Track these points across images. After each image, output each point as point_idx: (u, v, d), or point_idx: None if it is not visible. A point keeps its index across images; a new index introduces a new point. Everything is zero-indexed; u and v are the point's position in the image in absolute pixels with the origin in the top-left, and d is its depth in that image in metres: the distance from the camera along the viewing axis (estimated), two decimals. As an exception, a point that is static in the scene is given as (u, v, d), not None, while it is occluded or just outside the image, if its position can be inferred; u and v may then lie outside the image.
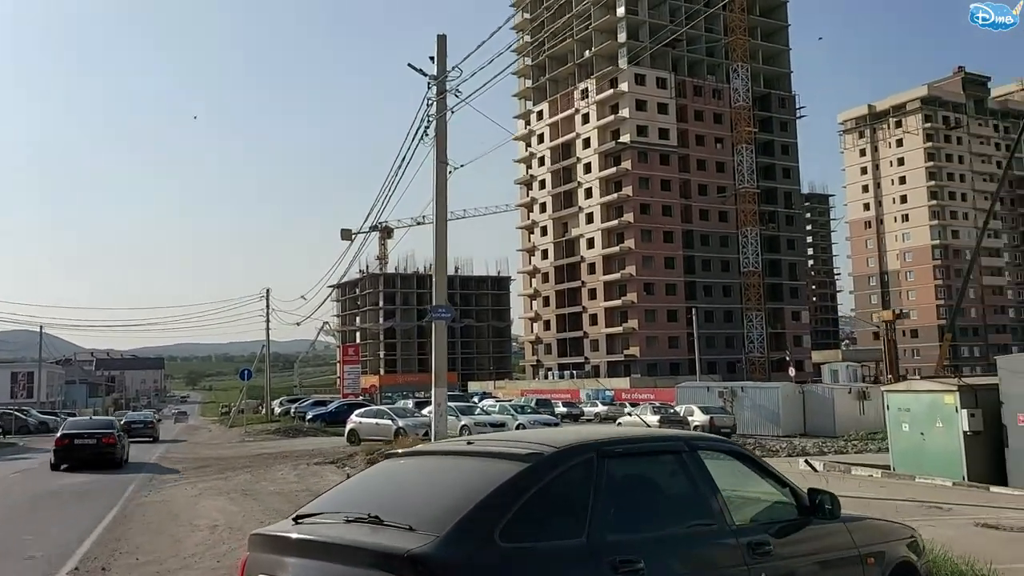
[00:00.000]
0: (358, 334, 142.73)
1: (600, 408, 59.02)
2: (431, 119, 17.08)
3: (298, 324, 60.89)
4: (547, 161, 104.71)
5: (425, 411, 35.17)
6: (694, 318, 73.65)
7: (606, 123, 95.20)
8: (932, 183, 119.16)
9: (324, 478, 17.77)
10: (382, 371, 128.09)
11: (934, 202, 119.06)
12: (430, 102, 17.12)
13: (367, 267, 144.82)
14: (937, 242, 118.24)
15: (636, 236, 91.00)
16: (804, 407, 43.05)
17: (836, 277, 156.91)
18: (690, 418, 36.46)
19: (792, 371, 66.44)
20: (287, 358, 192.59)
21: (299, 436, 39.16)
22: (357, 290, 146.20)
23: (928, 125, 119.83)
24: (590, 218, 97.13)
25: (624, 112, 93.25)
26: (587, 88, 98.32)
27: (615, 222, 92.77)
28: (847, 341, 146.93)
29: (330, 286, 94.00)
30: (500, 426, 32.24)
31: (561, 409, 51.98)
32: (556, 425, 34.64)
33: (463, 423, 31.72)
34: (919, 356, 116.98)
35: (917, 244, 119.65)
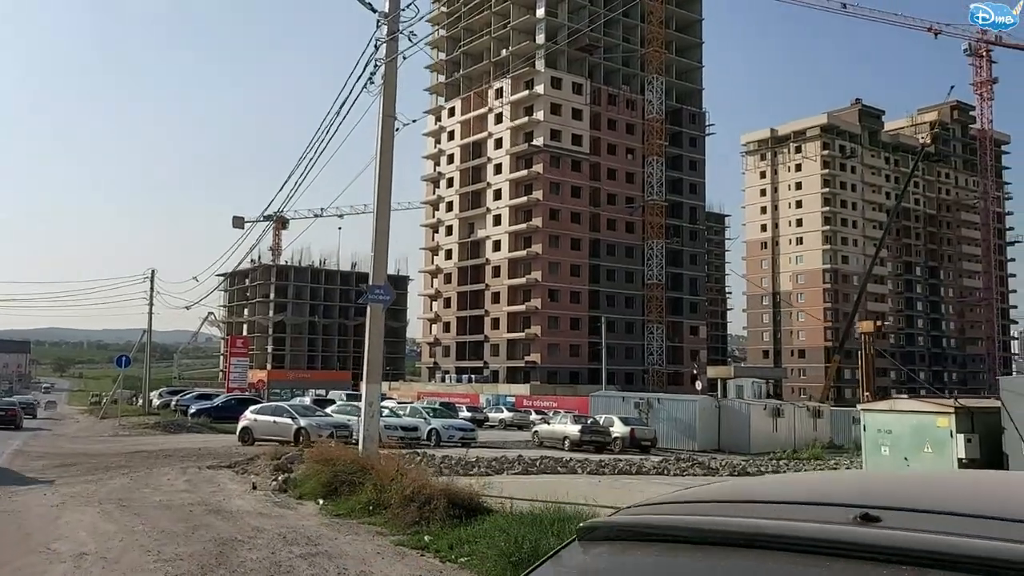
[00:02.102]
0: (246, 327, 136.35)
1: (505, 414, 56.89)
2: (378, 64, 14.30)
3: (187, 308, 56.34)
4: (456, 159, 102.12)
5: (330, 409, 32.07)
6: (603, 327, 72.37)
7: (519, 124, 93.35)
8: (826, 209, 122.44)
9: (223, 488, 14.67)
10: (269, 366, 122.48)
11: (827, 227, 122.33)
12: (379, 43, 14.34)
13: (259, 258, 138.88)
14: (828, 266, 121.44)
15: (544, 241, 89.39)
16: (720, 422, 41.96)
17: (728, 296, 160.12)
18: (611, 429, 34.51)
19: (699, 385, 65.89)
20: (166, 348, 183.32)
21: (182, 432, 35.25)
22: (247, 281, 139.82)
23: (826, 152, 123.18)
24: (498, 220, 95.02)
25: (538, 115, 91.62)
26: (502, 88, 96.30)
27: (523, 225, 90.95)
28: (734, 359, 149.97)
29: (219, 275, 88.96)
30: (412, 430, 29.51)
31: (465, 414, 49.36)
32: (472, 431, 32.08)
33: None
34: (805, 376, 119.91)
35: (809, 267, 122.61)
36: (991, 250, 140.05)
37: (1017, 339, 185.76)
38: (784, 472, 25.77)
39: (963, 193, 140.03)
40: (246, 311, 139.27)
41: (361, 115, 15.76)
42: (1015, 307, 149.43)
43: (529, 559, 7.53)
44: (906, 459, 15.95)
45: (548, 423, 36.33)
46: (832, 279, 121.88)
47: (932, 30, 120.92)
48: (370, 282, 14.96)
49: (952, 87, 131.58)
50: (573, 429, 32.76)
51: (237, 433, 28.95)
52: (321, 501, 12.52)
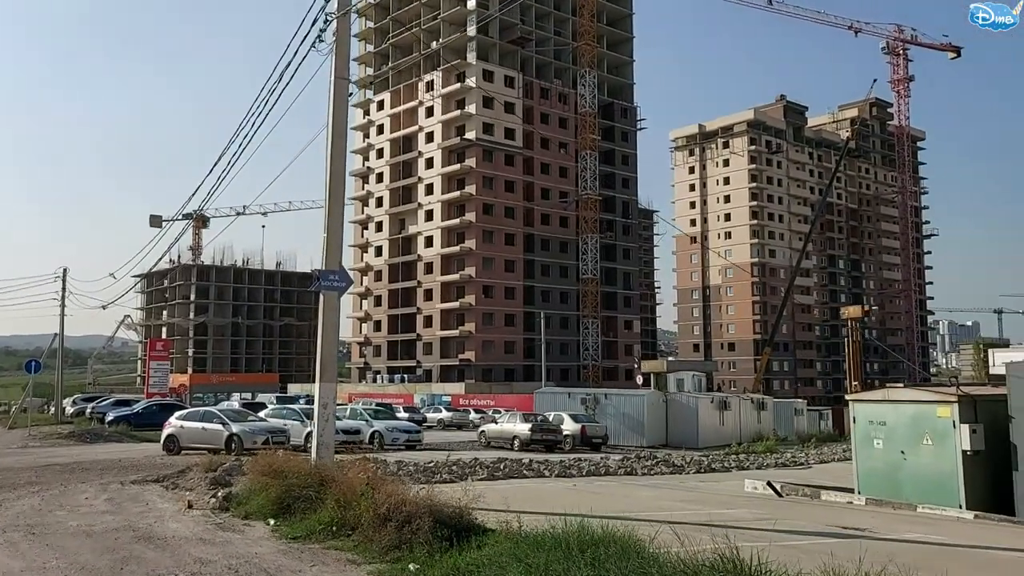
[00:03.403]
0: (165, 329, 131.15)
1: (443, 414, 55.17)
2: (328, 19, 12.51)
3: (104, 307, 53.04)
4: (386, 154, 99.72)
5: (263, 414, 29.91)
6: (541, 323, 71.21)
7: (451, 118, 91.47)
8: (754, 203, 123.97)
9: (153, 507, 12.67)
10: (191, 370, 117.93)
11: (755, 222, 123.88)
12: (329, -5, 12.53)
13: (178, 257, 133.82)
14: (756, 260, 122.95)
15: (478, 236, 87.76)
16: (667, 416, 41.13)
17: (657, 290, 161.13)
18: (562, 427, 33.16)
19: (639, 379, 65.12)
20: (79, 354, 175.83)
21: (99, 441, 32.47)
22: (166, 282, 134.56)
23: (753, 148, 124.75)
24: (430, 215, 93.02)
25: (470, 108, 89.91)
26: (433, 81, 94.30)
27: (456, 221, 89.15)
28: (662, 354, 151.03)
29: (135, 276, 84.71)
30: (354, 433, 27.60)
31: (403, 414, 47.44)
32: (418, 432, 30.31)
33: (310, 429, 26.69)
34: (735, 369, 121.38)
35: (738, 261, 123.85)
36: (909, 243, 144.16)
37: (935, 329, 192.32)
38: (747, 466, 24.78)
39: (882, 188, 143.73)
40: (165, 313, 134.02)
41: (292, 100, 13.97)
42: (932, 298, 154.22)
43: (562, 598, 5.98)
44: (903, 453, 14.92)
45: (496, 422, 34.76)
46: (760, 273, 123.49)
47: (853, 28, 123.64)
48: (322, 266, 13.17)
49: (875, 81, 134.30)
50: (523, 428, 31.28)
51: (162, 441, 26.60)
52: (272, 521, 10.71)
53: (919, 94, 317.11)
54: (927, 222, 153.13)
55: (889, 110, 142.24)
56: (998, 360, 29.74)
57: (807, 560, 6.40)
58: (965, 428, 13.81)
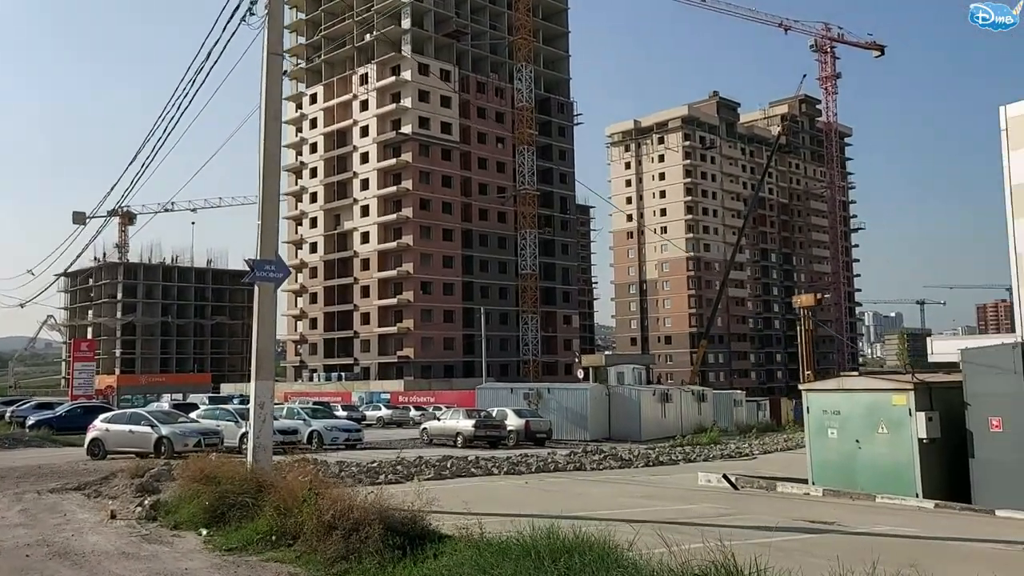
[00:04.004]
0: (91, 329, 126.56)
1: (383, 412, 54.15)
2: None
3: (22, 306, 50.40)
4: (320, 148, 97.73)
5: (195, 415, 28.63)
6: (481, 318, 70.57)
7: (386, 112, 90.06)
8: (689, 198, 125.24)
9: (72, 518, 11.63)
10: (119, 371, 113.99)
11: (690, 216, 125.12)
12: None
13: (104, 255, 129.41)
14: (691, 254, 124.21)
15: (415, 232, 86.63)
16: (610, 410, 40.93)
17: (594, 286, 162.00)
18: (505, 422, 32.60)
19: (580, 373, 65.03)
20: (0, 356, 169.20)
21: (18, 447, 30.67)
22: (91, 280, 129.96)
23: (687, 143, 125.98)
24: (365, 211, 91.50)
25: (406, 102, 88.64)
26: (367, 73, 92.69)
27: (393, 216, 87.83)
28: (599, 348, 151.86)
29: (57, 275, 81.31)
30: (292, 433, 26.56)
31: (341, 413, 46.26)
32: (358, 431, 29.38)
33: (245, 430, 25.60)
34: (672, 362, 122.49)
35: (674, 256, 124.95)
36: (838, 237, 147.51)
37: (862, 320, 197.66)
38: (693, 459, 24.55)
39: (812, 183, 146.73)
40: (91, 313, 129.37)
41: (222, 80, 13.03)
42: (860, 290, 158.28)
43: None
44: (858, 442, 14.72)
45: (438, 419, 34.02)
46: (695, 267, 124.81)
47: (783, 26, 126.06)
48: (257, 256, 12.27)
49: (804, 76, 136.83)
50: (467, 424, 30.61)
51: (86, 446, 25.16)
52: (204, 532, 9.84)
53: (846, 91, 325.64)
54: (854, 216, 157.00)
55: (818, 107, 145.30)
56: (936, 348, 30.21)
57: (789, 561, 5.89)
58: (921, 416, 13.64)
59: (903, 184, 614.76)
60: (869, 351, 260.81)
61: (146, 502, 11.52)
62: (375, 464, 17.88)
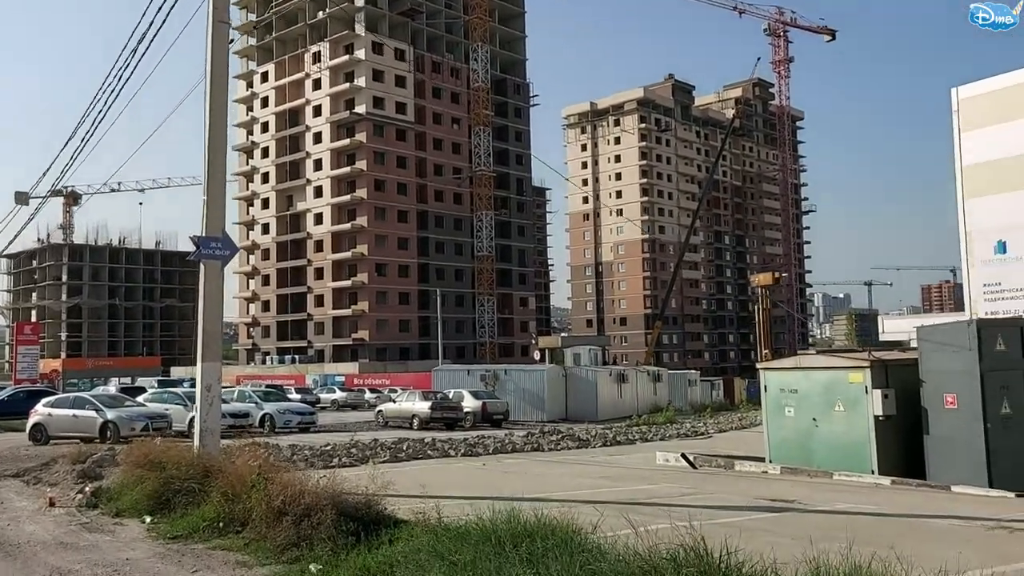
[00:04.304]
0: (35, 312, 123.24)
1: (337, 395, 53.57)
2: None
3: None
4: (271, 128, 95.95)
5: (142, 398, 27.91)
6: (437, 300, 70.11)
7: (340, 91, 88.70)
8: (644, 181, 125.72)
9: (8, 506, 11.10)
10: (64, 354, 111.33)
11: (645, 199, 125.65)
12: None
13: (47, 236, 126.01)
14: (646, 236, 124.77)
15: (369, 214, 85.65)
16: (567, 391, 40.92)
17: (550, 268, 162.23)
18: (462, 404, 32.36)
19: (536, 355, 65.06)
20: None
21: (-44, 434, 29.63)
22: (34, 262, 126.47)
23: (643, 126, 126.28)
24: (319, 192, 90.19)
25: (360, 81, 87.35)
26: (320, 52, 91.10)
27: (347, 197, 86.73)
28: (554, 330, 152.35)
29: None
30: (243, 416, 26.03)
31: (295, 396, 45.63)
32: (312, 414, 28.92)
33: (193, 414, 24.98)
34: (627, 343, 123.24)
35: (629, 238, 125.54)
36: (790, 219, 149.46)
37: (811, 301, 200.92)
38: (650, 438, 24.56)
39: (764, 166, 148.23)
40: (35, 295, 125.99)
41: (167, 49, 12.47)
42: (810, 271, 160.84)
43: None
44: (815, 420, 14.73)
45: (394, 401, 33.67)
46: (650, 249, 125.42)
47: (737, 9, 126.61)
48: (202, 233, 11.78)
49: (758, 59, 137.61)
50: (423, 406, 30.30)
51: (27, 431, 24.38)
52: (148, 519, 9.42)
53: (799, 75, 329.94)
54: (806, 198, 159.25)
55: (771, 90, 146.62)
56: (887, 327, 30.66)
57: (755, 541, 5.72)
58: (877, 393, 13.67)
59: (852, 167, 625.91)
60: (818, 331, 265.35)
61: (87, 489, 11.04)
62: (329, 447, 17.51)
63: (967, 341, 12.91)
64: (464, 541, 5.85)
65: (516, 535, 5.71)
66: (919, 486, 12.51)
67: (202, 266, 12.04)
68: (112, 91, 13.87)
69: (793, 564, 4.70)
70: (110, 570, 7.12)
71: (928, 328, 13.90)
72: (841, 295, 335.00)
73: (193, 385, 40.90)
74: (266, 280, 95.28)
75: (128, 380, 57.49)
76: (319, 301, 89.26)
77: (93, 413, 23.58)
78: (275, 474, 8.28)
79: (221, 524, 8.46)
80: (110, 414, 23.32)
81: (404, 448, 18.17)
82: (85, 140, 15.57)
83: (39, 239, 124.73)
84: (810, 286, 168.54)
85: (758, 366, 16.63)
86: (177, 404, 26.42)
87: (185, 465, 9.87)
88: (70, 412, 24.02)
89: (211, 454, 10.54)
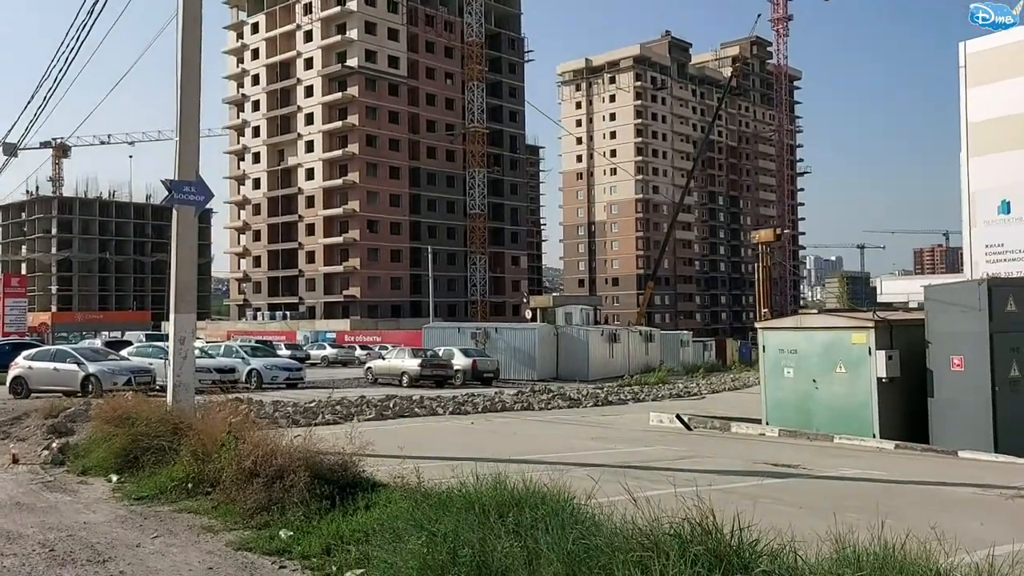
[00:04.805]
0: (24, 265, 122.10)
1: (327, 351, 53.11)
2: None
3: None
4: (262, 80, 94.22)
5: (126, 352, 27.34)
6: (429, 258, 69.44)
7: (332, 43, 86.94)
8: (639, 140, 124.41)
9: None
10: (55, 308, 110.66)
11: (639, 158, 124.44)
12: None
13: (36, 189, 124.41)
14: (640, 196, 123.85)
15: (361, 169, 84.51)
16: (558, 350, 40.51)
17: (543, 227, 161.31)
18: (452, 362, 31.92)
19: (528, 314, 64.58)
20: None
21: (-63, 387, 29.06)
22: (23, 215, 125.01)
23: (638, 84, 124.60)
24: (310, 147, 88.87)
25: (352, 33, 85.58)
26: (311, 2, 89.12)
27: (338, 152, 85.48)
28: (546, 290, 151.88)
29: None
30: (229, 371, 25.51)
31: (285, 352, 45.16)
32: (299, 370, 28.43)
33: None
34: (619, 303, 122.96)
35: (622, 197, 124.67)
36: (784, 180, 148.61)
37: (804, 263, 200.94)
38: (642, 398, 24.18)
39: (760, 126, 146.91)
40: (24, 248, 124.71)
41: None
42: (803, 233, 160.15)
43: (476, 575, 4.58)
44: (815, 382, 14.27)
45: (383, 358, 33.19)
46: (644, 209, 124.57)
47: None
48: (175, 176, 11.11)
49: (759, 16, 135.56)
50: (412, 364, 29.83)
51: (8, 384, 23.79)
52: (115, 478, 8.90)
53: (797, 34, 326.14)
54: (801, 160, 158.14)
55: (769, 49, 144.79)
56: (886, 288, 30.21)
57: (760, 510, 5.21)
58: (881, 355, 13.19)
59: (849, 129, 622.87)
60: (810, 294, 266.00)
61: (54, 445, 10.51)
62: (313, 404, 17.00)
63: (977, 301, 12.40)
64: (445, 509, 5.33)
65: (502, 504, 5.19)
66: (924, 451, 12.07)
67: (175, 212, 11.40)
68: (81, 34, 13.06)
69: (813, 540, 4.18)
70: (64, 535, 6.60)
71: (936, 288, 13.38)
72: (833, 258, 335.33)
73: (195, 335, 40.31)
74: (257, 236, 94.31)
75: (118, 334, 57.01)
76: (310, 257, 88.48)
77: (74, 366, 23.01)
78: (246, 432, 7.74)
79: (190, 485, 7.95)
80: (91, 367, 22.76)
81: (391, 406, 17.68)
82: (57, 81, 14.75)
83: (28, 191, 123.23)
84: (803, 248, 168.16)
85: (757, 325, 16.13)
86: (161, 358, 25.73)
87: (156, 421, 9.34)
88: (51, 365, 23.44)
89: (184, 410, 10.00)
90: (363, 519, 6.03)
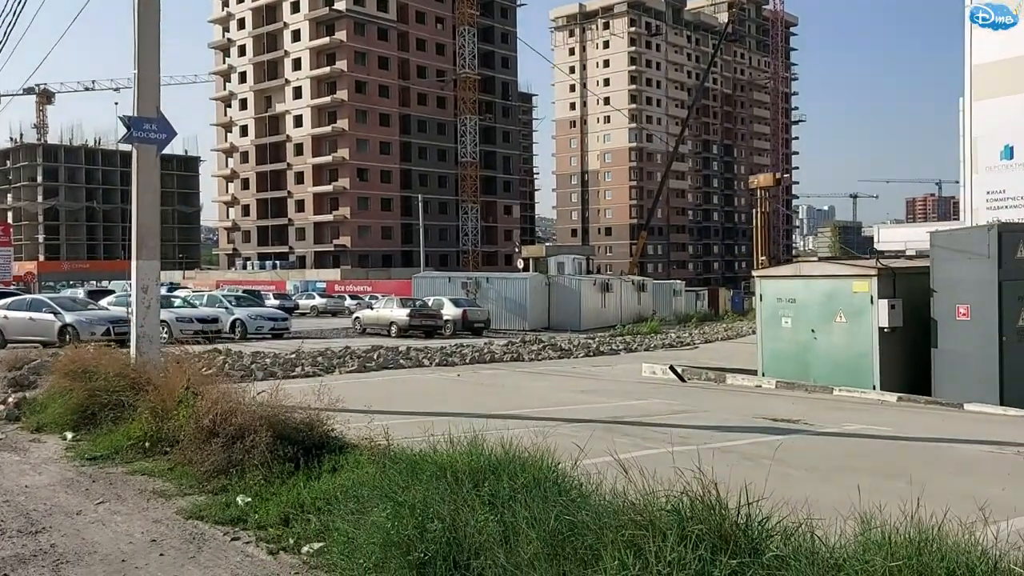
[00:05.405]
0: (11, 214, 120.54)
1: (317, 301, 52.53)
2: None
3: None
4: (248, 24, 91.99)
5: (106, 301, 26.69)
6: (419, 207, 68.44)
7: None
8: (633, 87, 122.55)
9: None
10: (42, 257, 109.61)
11: (634, 106, 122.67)
12: None
13: (20, 136, 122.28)
14: (634, 145, 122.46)
15: (350, 116, 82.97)
16: (550, 300, 39.99)
17: (536, 176, 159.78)
18: (442, 312, 31.36)
19: (520, 264, 63.80)
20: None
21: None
22: (8, 162, 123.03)
23: (632, 30, 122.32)
24: (298, 93, 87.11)
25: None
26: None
27: (327, 99, 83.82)
28: (539, 240, 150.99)
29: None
30: (212, 321, 24.87)
31: (273, 301, 44.52)
32: (285, 320, 27.84)
33: (160, 318, 23.81)
34: (612, 253, 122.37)
35: (616, 146, 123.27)
36: (779, 129, 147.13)
37: (796, 213, 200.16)
38: (635, 348, 23.70)
39: (756, 73, 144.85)
40: (9, 197, 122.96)
41: None
42: (797, 183, 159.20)
43: (446, 554, 4.02)
44: (813, 332, 13.73)
45: (372, 308, 32.59)
46: (637, 158, 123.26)
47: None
48: (134, 112, 10.35)
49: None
50: (401, 314, 29.25)
51: (-19, 334, 23.14)
52: (70, 436, 8.32)
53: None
54: (796, 108, 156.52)
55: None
56: (882, 236, 29.63)
57: (762, 472, 4.65)
58: (883, 303, 12.63)
59: (842, 79, 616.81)
60: (802, 244, 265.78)
61: (10, 400, 9.92)
62: (294, 355, 16.42)
63: (986, 248, 11.81)
64: (415, 476, 4.76)
65: (478, 471, 4.61)
66: (928, 403, 11.58)
67: (135, 152, 10.64)
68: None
69: (827, 509, 3.62)
70: (2, 498, 6.03)
71: (943, 233, 12.77)
72: (825, 207, 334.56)
73: (171, 290, 39.81)
74: (246, 184, 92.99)
75: (106, 283, 56.28)
76: (300, 206, 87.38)
77: (51, 316, 22.37)
78: (206, 388, 7.14)
79: (147, 444, 7.38)
80: (68, 317, 22.12)
81: (375, 357, 17.11)
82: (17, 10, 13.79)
83: (11, 138, 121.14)
84: (796, 197, 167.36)
85: (754, 274, 15.53)
86: (142, 308, 25.19)
87: (115, 375, 8.73)
88: (26, 315, 22.78)
89: (148, 363, 9.39)
90: (327, 484, 5.47)
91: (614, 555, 3.46)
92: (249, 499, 5.68)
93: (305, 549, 4.75)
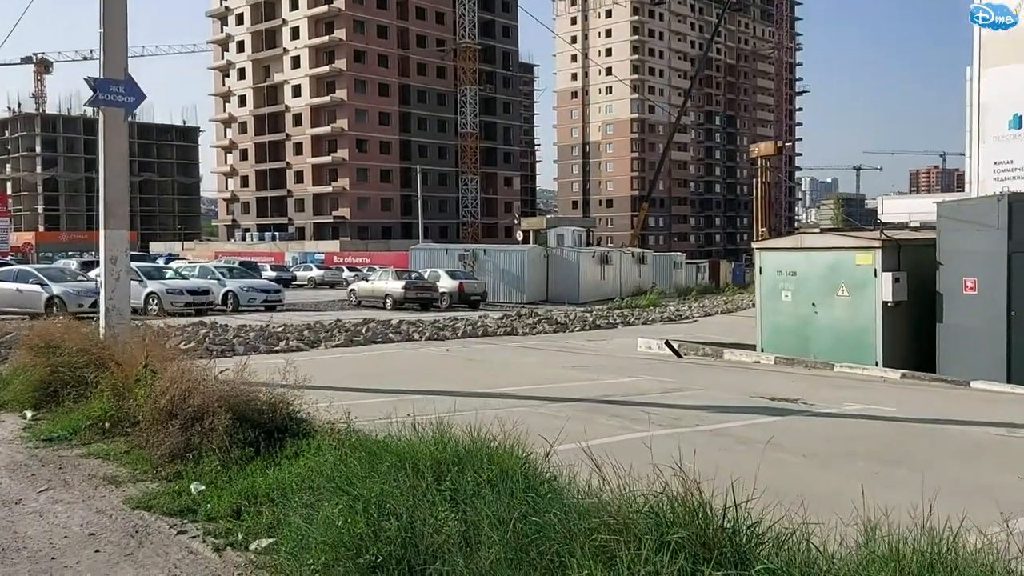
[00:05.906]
0: (9, 185, 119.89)
1: (314, 273, 52.03)
2: None
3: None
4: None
5: (93, 273, 26.22)
6: (418, 178, 67.76)
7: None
8: (635, 57, 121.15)
9: None
10: (41, 227, 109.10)
11: (636, 76, 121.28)
12: None
13: (19, 106, 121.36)
14: (636, 116, 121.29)
15: (349, 86, 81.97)
16: (548, 272, 39.53)
17: (536, 148, 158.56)
18: (438, 284, 30.93)
19: (520, 235, 63.34)
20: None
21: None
22: (7, 132, 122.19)
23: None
24: (296, 62, 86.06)
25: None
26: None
27: (325, 69, 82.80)
28: (541, 212, 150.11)
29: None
30: (203, 293, 24.47)
31: (270, 273, 44.10)
32: (278, 292, 27.40)
33: (150, 290, 23.51)
34: (612, 225, 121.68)
35: (618, 117, 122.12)
36: (783, 100, 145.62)
37: (799, 185, 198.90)
38: (632, 322, 23.28)
39: (760, 44, 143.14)
40: (8, 167, 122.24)
41: None
42: (800, 155, 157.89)
43: (400, 556, 3.60)
44: (814, 305, 13.29)
45: (367, 280, 32.15)
46: (639, 129, 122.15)
47: None
48: (101, 73, 9.82)
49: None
50: (396, 286, 28.81)
51: (-31, 305, 22.74)
52: (30, 415, 7.92)
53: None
54: (800, 79, 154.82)
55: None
56: (887, 208, 29.07)
57: (756, 460, 4.23)
58: (888, 277, 12.18)
59: (846, 51, 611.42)
60: (804, 216, 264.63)
61: (-25, 376, 9.51)
62: (280, 328, 15.99)
63: (996, 219, 11.32)
64: (374, 466, 4.33)
65: (441, 461, 4.19)
66: (933, 381, 11.15)
67: (101, 115, 10.14)
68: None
69: (825, 503, 3.19)
70: (-62, 487, 5.63)
71: (950, 204, 12.29)
72: (829, 179, 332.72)
73: (169, 261, 39.18)
74: (244, 155, 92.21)
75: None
76: (299, 177, 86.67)
77: (38, 287, 21.97)
78: (165, 365, 6.71)
79: (107, 424, 6.97)
80: (56, 288, 21.73)
81: (364, 331, 16.68)
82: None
83: (10, 108, 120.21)
84: (799, 169, 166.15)
85: (754, 245, 15.06)
86: (132, 280, 24.78)
87: (79, 351, 8.30)
88: (13, 286, 22.36)
89: (116, 338, 8.97)
90: (286, 472, 5.05)
91: (583, 563, 3.05)
92: (203, 487, 5.27)
93: (253, 546, 4.34)
